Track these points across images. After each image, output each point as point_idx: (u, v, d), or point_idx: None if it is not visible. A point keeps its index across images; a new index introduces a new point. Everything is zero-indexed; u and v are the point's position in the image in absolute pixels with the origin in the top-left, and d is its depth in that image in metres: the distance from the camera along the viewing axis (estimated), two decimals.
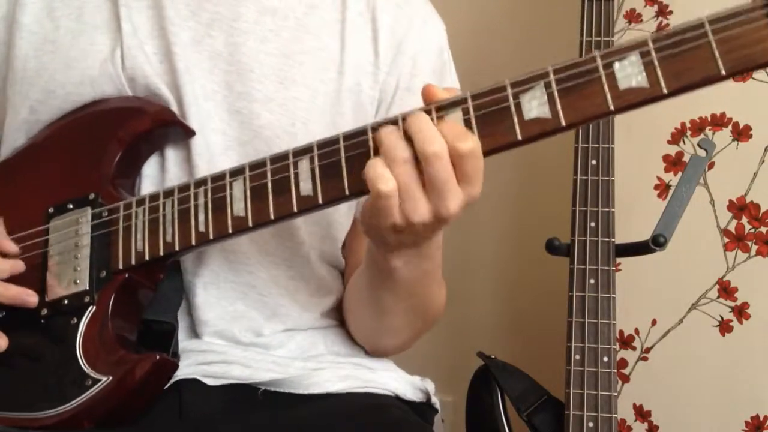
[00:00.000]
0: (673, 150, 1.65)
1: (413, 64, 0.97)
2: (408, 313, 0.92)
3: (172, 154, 0.90)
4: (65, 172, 0.90)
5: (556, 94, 0.70)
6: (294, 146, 0.78)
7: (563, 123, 0.70)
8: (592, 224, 1.36)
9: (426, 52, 0.98)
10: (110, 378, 0.79)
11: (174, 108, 0.89)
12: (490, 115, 0.72)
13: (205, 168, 0.88)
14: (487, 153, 0.72)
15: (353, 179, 0.75)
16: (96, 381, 0.79)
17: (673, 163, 1.65)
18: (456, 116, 0.73)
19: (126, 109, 0.89)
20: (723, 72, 0.66)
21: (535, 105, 0.71)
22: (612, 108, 0.69)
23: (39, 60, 0.91)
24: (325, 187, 0.76)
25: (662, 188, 1.67)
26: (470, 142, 0.70)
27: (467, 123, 0.72)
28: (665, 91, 0.67)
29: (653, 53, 0.68)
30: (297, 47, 0.93)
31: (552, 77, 0.70)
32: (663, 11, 1.66)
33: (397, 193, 0.71)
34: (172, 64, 0.90)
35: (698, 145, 1.37)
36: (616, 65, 0.69)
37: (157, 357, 0.80)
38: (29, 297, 0.84)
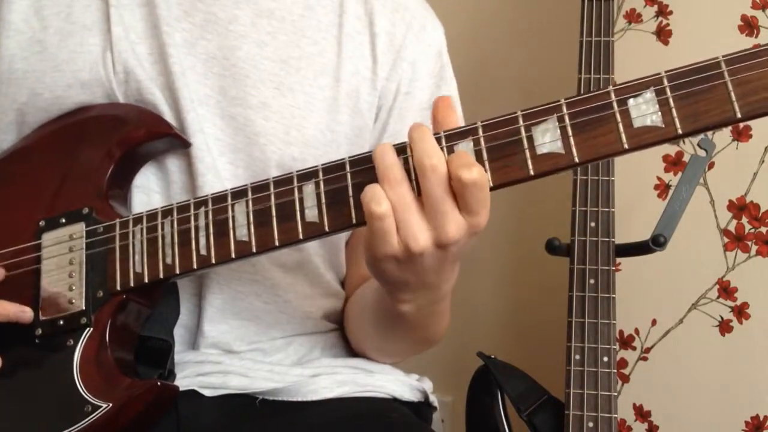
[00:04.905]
0: (673, 150, 1.64)
1: (413, 69, 0.96)
2: (413, 342, 0.91)
3: (170, 164, 0.88)
4: (56, 182, 0.87)
5: (569, 129, 0.68)
6: (287, 156, 0.75)
7: (576, 159, 0.69)
8: (592, 224, 1.36)
9: (425, 56, 0.97)
10: (110, 405, 0.76)
11: (169, 113, 0.87)
12: (502, 147, 0.70)
13: (207, 173, 0.86)
14: (497, 187, 0.70)
15: (361, 208, 0.72)
16: (96, 407, 0.77)
17: (673, 163, 1.65)
18: (467, 146, 0.70)
19: (119, 119, 0.87)
20: (739, 115, 0.65)
21: (547, 139, 0.69)
22: (626, 147, 0.67)
23: (26, 61, 0.88)
24: (331, 214, 0.74)
25: (662, 188, 1.66)
26: (474, 173, 0.67)
27: (478, 154, 0.70)
28: (680, 131, 0.66)
29: (668, 92, 0.66)
30: (294, 52, 0.91)
31: (565, 111, 0.69)
32: (663, 11, 1.66)
33: (391, 215, 0.68)
34: (167, 66, 0.87)
35: (698, 145, 1.37)
36: (631, 102, 0.67)
37: (158, 383, 0.78)
38: (24, 313, 0.81)
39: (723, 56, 0.65)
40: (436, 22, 1.02)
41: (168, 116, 0.87)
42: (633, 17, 1.69)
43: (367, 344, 0.96)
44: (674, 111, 0.66)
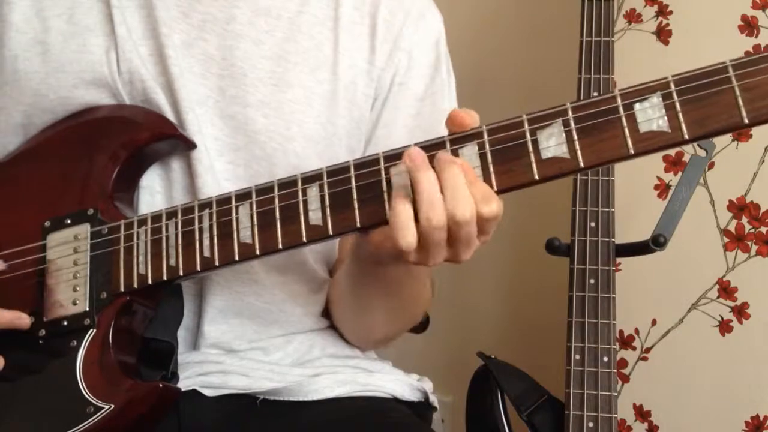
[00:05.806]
0: (673, 150, 1.64)
1: (409, 58, 0.96)
2: (390, 311, 0.92)
3: (173, 164, 0.88)
4: (61, 183, 0.87)
5: (574, 133, 0.68)
6: (290, 151, 0.75)
7: (582, 164, 0.68)
8: (592, 224, 1.36)
9: (422, 45, 0.97)
10: (112, 406, 0.77)
11: (170, 114, 0.87)
12: (507, 151, 0.70)
13: (205, 173, 0.86)
14: (502, 191, 0.70)
15: (365, 212, 0.73)
16: (98, 409, 0.77)
17: (673, 163, 1.65)
18: (471, 150, 0.71)
19: (124, 120, 0.87)
20: (746, 121, 0.64)
21: (552, 143, 0.69)
22: (632, 152, 0.67)
23: (29, 62, 0.88)
24: (335, 218, 0.74)
25: (662, 188, 1.67)
26: (494, 206, 0.69)
27: (482, 158, 0.70)
28: (687, 137, 0.66)
29: (675, 96, 0.66)
30: (291, 48, 0.91)
31: (570, 115, 0.68)
32: (663, 11, 1.66)
33: (415, 248, 0.70)
34: (166, 67, 0.87)
35: (698, 145, 1.37)
36: (637, 106, 0.67)
37: (161, 385, 0.78)
38: (20, 320, 0.81)
39: (730, 61, 0.65)
40: (436, 10, 1.01)
41: (169, 117, 0.87)
42: (633, 17, 1.69)
43: (346, 317, 0.96)
44: (681, 116, 0.66)
